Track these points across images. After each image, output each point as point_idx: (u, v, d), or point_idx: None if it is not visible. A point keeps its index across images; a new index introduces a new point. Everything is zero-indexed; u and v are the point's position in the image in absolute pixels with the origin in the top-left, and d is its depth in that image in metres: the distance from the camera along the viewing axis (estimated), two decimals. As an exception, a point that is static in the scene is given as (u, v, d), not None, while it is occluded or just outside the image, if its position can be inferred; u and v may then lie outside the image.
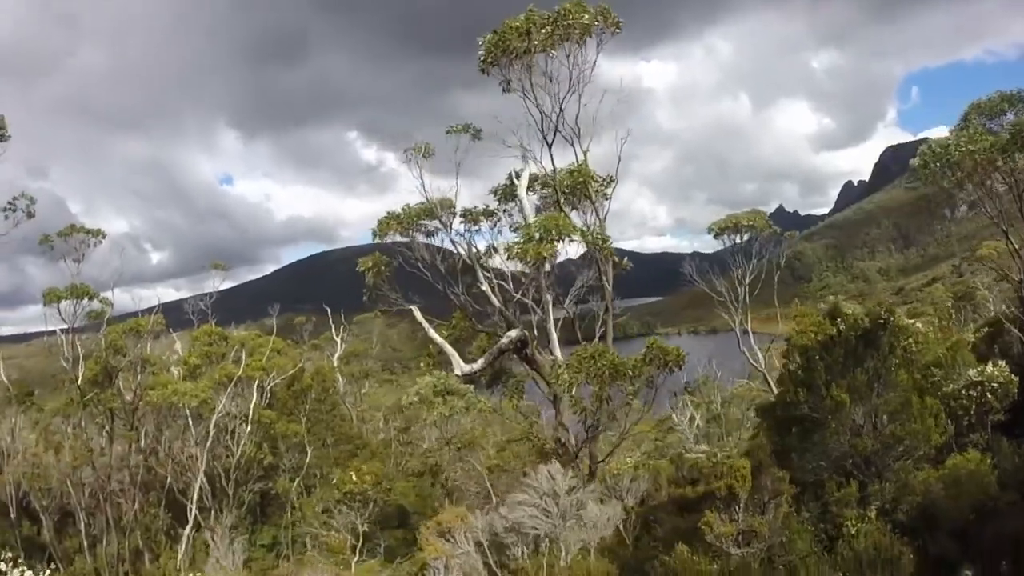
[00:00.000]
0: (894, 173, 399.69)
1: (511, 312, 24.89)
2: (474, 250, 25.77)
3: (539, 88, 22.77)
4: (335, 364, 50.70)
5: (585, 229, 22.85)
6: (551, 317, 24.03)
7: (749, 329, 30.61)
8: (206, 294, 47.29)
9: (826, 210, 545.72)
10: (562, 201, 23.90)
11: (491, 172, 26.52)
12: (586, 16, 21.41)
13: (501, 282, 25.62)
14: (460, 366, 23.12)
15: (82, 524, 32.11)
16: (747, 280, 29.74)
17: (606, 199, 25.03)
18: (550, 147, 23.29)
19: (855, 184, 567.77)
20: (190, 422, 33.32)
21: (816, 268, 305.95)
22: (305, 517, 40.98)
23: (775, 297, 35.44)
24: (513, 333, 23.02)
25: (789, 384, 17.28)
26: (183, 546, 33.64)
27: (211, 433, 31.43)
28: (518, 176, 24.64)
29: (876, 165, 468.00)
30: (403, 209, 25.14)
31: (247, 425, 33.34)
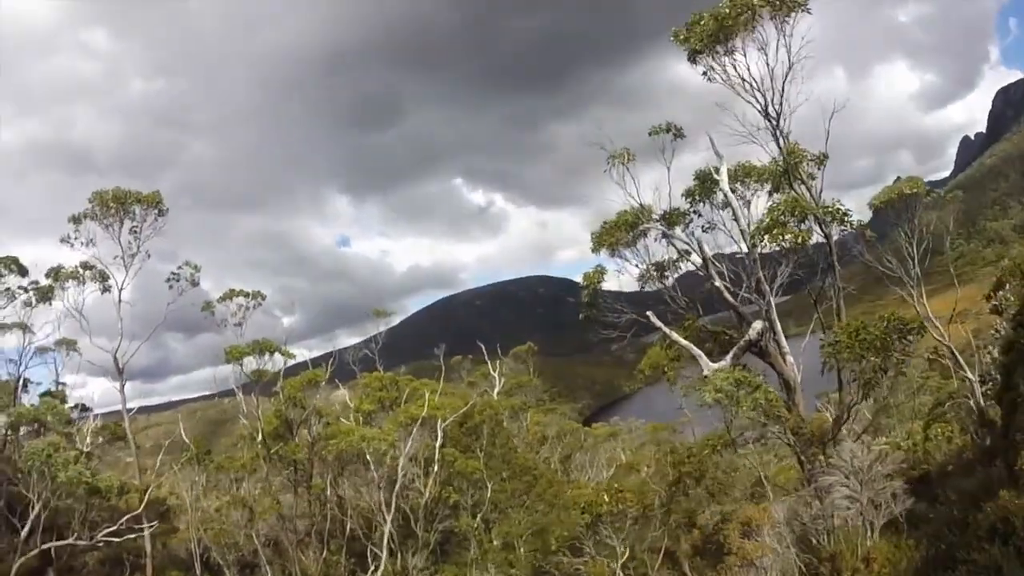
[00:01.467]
0: (1010, 118, 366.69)
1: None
2: (705, 248, 24.01)
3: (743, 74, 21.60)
4: (495, 398, 48.88)
5: (826, 207, 21.55)
6: (774, 306, 22.43)
7: (927, 308, 25.64)
8: (364, 341, 46.77)
9: (947, 173, 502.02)
10: (791, 183, 22.23)
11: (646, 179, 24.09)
12: None
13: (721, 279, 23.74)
14: (708, 365, 21.64)
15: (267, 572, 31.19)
16: (916, 253, 25.72)
17: (812, 179, 23.06)
18: (775, 131, 21.82)
19: (972, 138, 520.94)
20: (372, 468, 31.90)
21: (946, 237, 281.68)
22: (487, 553, 39.10)
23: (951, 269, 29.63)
24: (758, 325, 21.84)
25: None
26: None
27: (400, 476, 29.81)
28: (717, 171, 23.27)
29: (990, 113, 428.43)
30: (619, 216, 23.28)
31: (433, 465, 31.58)
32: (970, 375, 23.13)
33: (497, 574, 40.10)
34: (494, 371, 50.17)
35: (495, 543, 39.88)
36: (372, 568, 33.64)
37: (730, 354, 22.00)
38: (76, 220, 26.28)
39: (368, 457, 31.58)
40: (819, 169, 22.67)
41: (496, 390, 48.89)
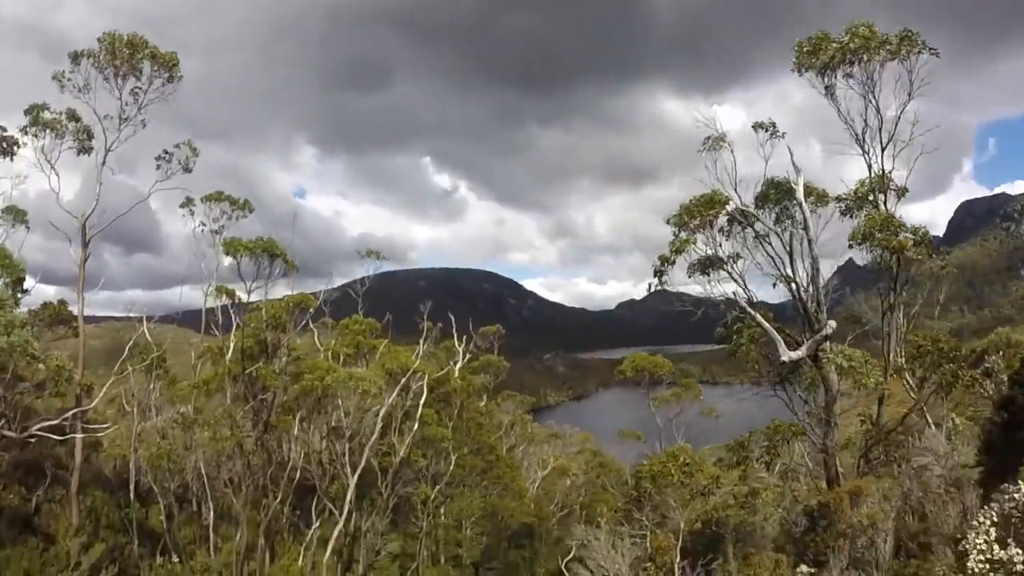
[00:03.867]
0: (968, 229, 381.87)
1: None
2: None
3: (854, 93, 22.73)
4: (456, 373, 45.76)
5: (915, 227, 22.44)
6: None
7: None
8: (341, 287, 43.03)
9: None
10: (876, 204, 23.53)
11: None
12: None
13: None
14: (786, 353, 21.99)
15: (211, 515, 27.50)
16: (896, 306, 25.01)
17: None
18: (883, 150, 23.05)
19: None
20: (343, 415, 28.61)
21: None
22: (437, 528, 36.08)
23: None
24: (833, 323, 22.75)
25: None
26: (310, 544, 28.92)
27: (378, 428, 26.60)
28: (795, 183, 23.40)
29: (951, 221, 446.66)
30: (713, 192, 22.95)
31: (412, 422, 28.47)
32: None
33: (444, 552, 37.19)
34: (459, 345, 47.25)
35: (444, 519, 36.97)
36: (317, 523, 30.34)
37: (805, 345, 22.26)
38: (75, 58, 21.87)
39: (339, 402, 28.34)
40: (897, 200, 23.81)
41: (459, 365, 45.93)
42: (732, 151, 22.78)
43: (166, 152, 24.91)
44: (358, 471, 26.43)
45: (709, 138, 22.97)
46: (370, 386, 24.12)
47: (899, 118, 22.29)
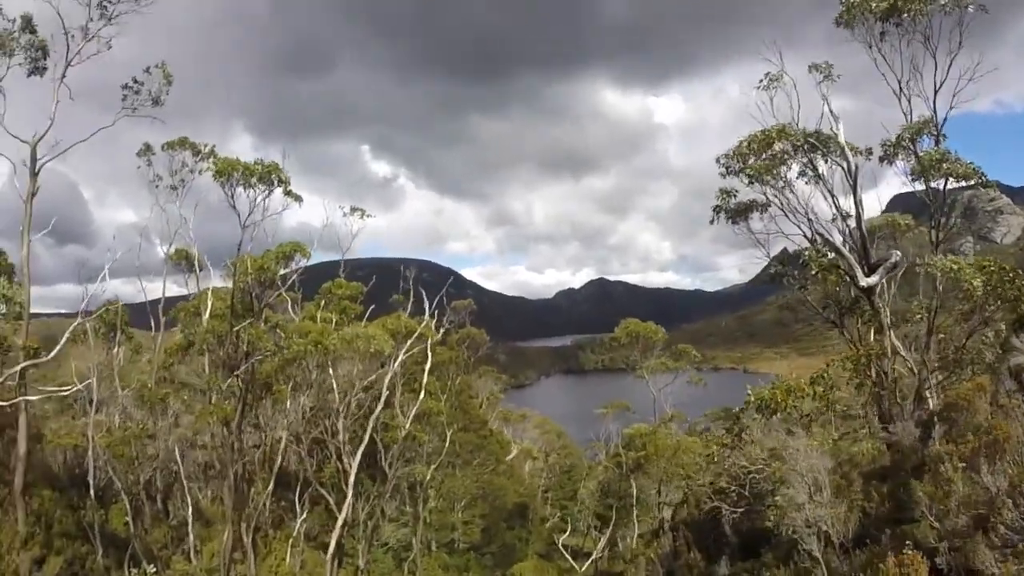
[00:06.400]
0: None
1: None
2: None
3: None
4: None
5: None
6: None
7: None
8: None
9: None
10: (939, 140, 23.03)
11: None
12: None
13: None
14: (863, 279, 22.22)
15: (189, 511, 23.20)
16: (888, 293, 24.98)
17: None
18: (935, 93, 22.46)
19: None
20: (334, 386, 24.76)
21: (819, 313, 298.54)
22: (432, 513, 32.52)
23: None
24: (898, 253, 23.02)
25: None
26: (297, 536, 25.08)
27: (383, 397, 22.93)
28: (836, 130, 23.34)
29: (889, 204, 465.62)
30: (775, 128, 22.45)
31: (421, 392, 24.84)
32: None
33: (437, 537, 33.69)
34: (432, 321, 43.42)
35: (435, 503, 33.45)
36: (303, 515, 26.43)
37: (878, 272, 22.42)
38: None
39: (332, 371, 24.46)
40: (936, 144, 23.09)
41: (441, 333, 42.32)
42: (796, 88, 23.01)
43: (135, 81, 20.41)
44: (360, 449, 22.70)
45: (768, 74, 22.93)
46: (383, 344, 20.40)
47: (950, 65, 22.39)
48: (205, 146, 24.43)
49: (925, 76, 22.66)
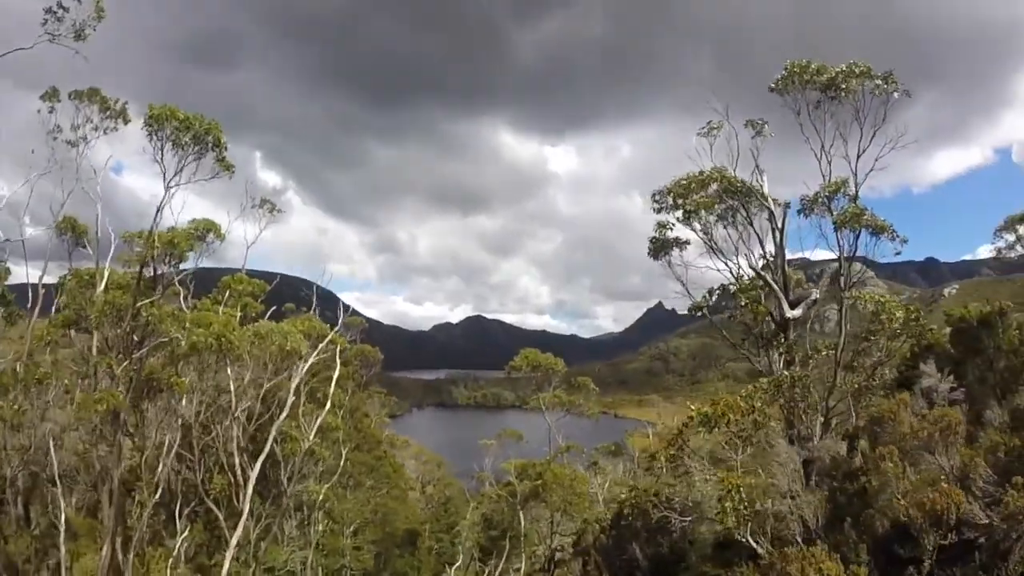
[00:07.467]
0: None
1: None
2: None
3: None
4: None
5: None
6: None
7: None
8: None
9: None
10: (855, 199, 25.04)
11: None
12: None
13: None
14: (788, 310, 24.02)
15: (61, 517, 20.01)
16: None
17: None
18: (858, 158, 24.38)
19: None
20: (232, 387, 22.53)
21: (688, 364, 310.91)
22: (323, 535, 30.06)
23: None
24: (816, 292, 25.26)
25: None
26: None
27: (289, 403, 20.95)
28: (761, 182, 25.42)
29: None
30: (714, 171, 24.60)
31: (328, 404, 22.99)
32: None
33: (327, 563, 31.16)
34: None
35: (324, 525, 31.10)
36: (185, 532, 23.66)
37: (801, 305, 24.54)
38: None
39: (229, 371, 22.23)
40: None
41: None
42: (737, 136, 24.90)
43: (60, 6, 17.61)
44: (260, 460, 20.60)
45: (709, 122, 25.03)
46: (299, 343, 18.65)
47: (874, 135, 24.38)
48: (116, 102, 21.67)
49: (849, 142, 24.60)
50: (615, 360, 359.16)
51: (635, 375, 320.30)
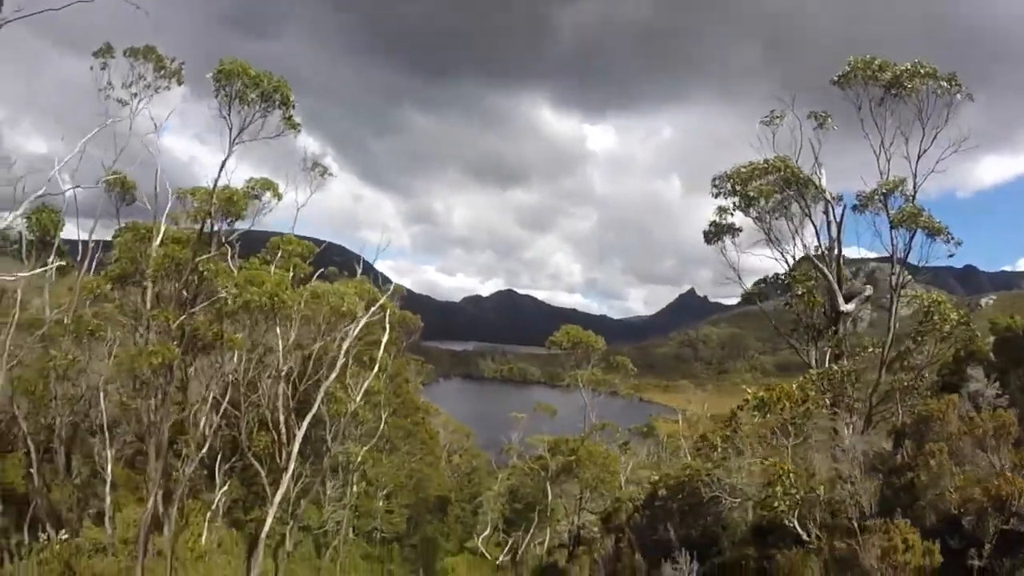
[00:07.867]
0: None
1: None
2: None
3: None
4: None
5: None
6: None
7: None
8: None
9: (736, 300, 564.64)
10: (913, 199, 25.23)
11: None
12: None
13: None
14: (842, 304, 24.21)
15: (108, 466, 20.57)
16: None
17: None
18: (918, 158, 24.55)
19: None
20: (280, 346, 22.80)
21: (716, 353, 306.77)
22: (358, 496, 30.56)
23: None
24: (869, 288, 25.01)
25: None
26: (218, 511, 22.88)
27: (339, 364, 21.16)
28: (820, 167, 25.39)
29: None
30: (777, 159, 24.63)
31: (375, 367, 23.18)
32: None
33: (359, 524, 31.71)
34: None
35: (355, 489, 31.56)
36: (225, 487, 24.22)
37: (855, 300, 24.61)
38: None
39: (279, 331, 22.50)
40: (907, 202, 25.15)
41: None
42: (801, 127, 24.84)
43: None
44: (307, 420, 20.87)
45: (773, 111, 25.20)
46: (354, 304, 18.76)
47: (936, 136, 24.43)
48: (172, 61, 21.72)
49: (910, 141, 24.53)
50: (644, 343, 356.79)
51: (663, 360, 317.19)
